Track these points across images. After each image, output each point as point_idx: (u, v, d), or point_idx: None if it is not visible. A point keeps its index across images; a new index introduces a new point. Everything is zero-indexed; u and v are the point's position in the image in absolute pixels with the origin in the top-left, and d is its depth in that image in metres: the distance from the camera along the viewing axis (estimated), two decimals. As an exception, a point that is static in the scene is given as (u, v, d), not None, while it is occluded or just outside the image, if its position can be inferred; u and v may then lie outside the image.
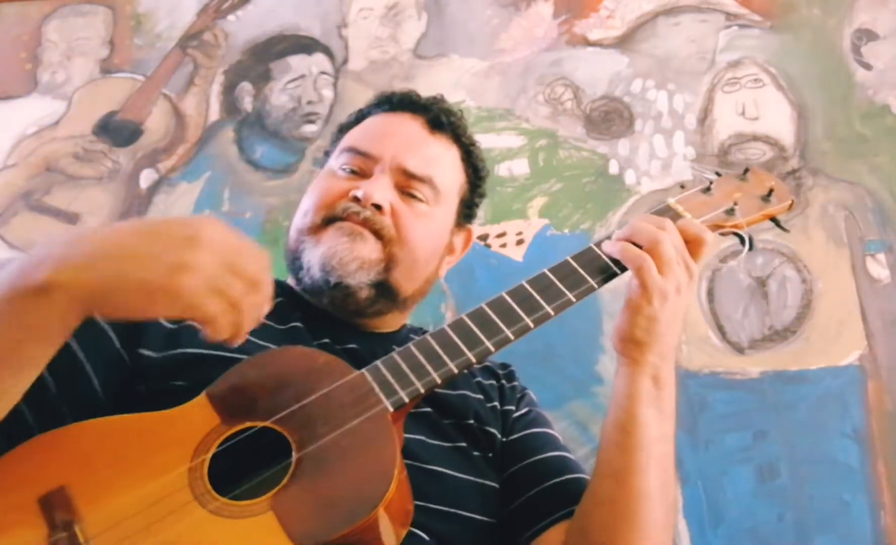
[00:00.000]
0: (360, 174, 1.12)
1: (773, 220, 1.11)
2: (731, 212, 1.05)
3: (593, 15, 1.97)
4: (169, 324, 1.00)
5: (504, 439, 1.13)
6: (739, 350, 1.67)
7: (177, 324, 1.00)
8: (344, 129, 1.23)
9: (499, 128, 1.91)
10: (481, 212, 1.85)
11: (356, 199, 1.08)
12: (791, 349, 1.65)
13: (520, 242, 1.80)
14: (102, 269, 0.75)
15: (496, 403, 1.15)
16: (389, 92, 1.22)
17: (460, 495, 1.04)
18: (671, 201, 1.05)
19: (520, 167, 1.87)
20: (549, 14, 1.98)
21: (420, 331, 1.25)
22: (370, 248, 1.07)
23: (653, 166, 1.83)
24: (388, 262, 1.09)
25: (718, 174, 1.11)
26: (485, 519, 1.05)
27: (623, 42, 1.94)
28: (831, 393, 1.61)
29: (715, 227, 1.04)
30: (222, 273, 0.77)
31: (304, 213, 1.13)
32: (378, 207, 1.08)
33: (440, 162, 1.17)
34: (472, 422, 1.10)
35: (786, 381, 1.63)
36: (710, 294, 1.70)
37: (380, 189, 1.08)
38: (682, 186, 1.09)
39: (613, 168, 1.84)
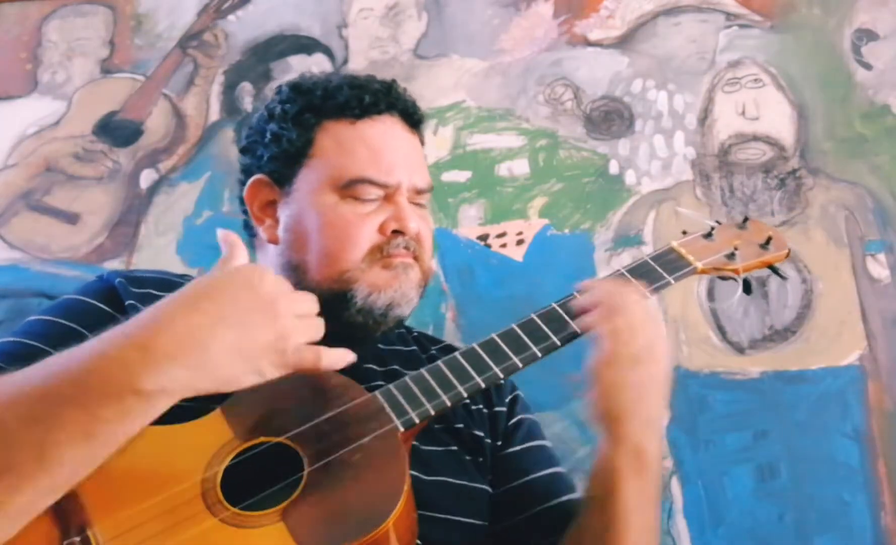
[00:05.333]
0: (379, 199, 1.13)
1: (771, 267, 1.17)
2: (731, 256, 1.11)
3: (593, 15, 1.97)
4: None
5: (496, 445, 1.14)
6: (739, 350, 1.67)
7: None
8: (300, 141, 1.15)
9: (499, 128, 1.91)
10: (481, 212, 1.87)
11: (395, 233, 1.11)
12: (791, 349, 1.66)
13: (520, 242, 1.80)
14: (205, 371, 0.81)
15: (481, 406, 1.16)
16: (348, 95, 1.16)
17: (454, 500, 1.04)
18: (675, 244, 1.11)
19: (520, 167, 1.87)
20: (549, 14, 1.98)
21: (408, 328, 1.27)
22: (416, 273, 1.13)
23: (653, 166, 1.83)
24: (426, 276, 1.15)
25: (719, 222, 1.17)
26: (477, 522, 1.06)
27: (623, 42, 1.94)
28: (831, 393, 1.61)
29: (715, 270, 1.11)
30: (298, 325, 0.89)
31: (334, 254, 1.11)
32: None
33: (425, 163, 1.21)
34: (461, 426, 1.11)
35: (786, 381, 1.63)
36: (710, 294, 1.71)
37: (413, 219, 1.12)
38: (685, 232, 1.14)
39: (613, 168, 1.84)
